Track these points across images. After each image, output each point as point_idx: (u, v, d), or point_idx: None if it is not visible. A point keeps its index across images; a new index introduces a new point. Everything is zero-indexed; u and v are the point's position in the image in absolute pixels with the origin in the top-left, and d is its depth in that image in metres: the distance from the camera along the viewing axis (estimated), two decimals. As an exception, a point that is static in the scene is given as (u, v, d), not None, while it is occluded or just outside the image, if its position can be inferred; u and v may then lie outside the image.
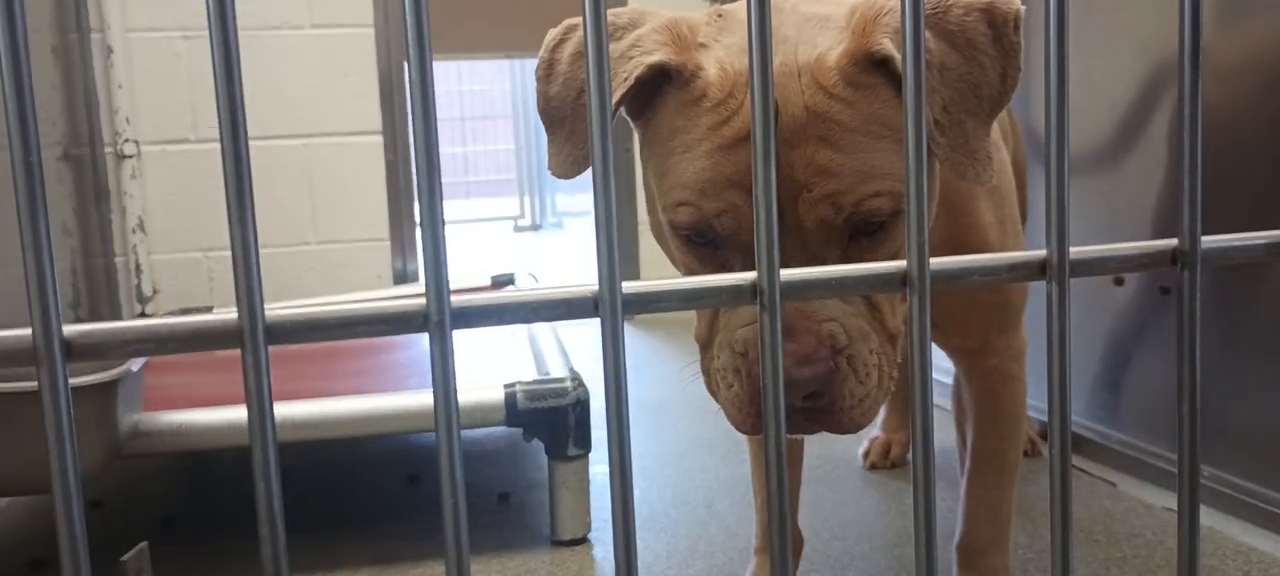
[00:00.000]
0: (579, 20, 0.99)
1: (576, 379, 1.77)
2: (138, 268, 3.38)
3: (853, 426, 0.90)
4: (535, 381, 1.75)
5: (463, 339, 2.27)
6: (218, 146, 3.67)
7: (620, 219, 0.58)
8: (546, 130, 1.00)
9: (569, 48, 1.00)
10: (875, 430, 2.12)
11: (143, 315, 3.38)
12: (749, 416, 0.90)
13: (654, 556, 1.68)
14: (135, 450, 1.62)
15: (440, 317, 0.46)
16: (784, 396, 0.52)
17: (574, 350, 2.18)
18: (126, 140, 3.31)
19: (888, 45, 0.87)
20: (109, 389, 1.48)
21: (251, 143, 3.30)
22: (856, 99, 0.87)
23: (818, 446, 2.18)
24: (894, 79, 0.88)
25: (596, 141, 0.48)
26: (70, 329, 0.43)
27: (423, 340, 2.40)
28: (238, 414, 1.67)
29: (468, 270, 4.13)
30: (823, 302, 0.87)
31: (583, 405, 1.73)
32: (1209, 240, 0.57)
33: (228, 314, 0.45)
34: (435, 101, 0.46)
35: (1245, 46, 1.57)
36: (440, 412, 0.47)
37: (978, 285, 0.55)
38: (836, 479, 2.02)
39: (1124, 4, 1.83)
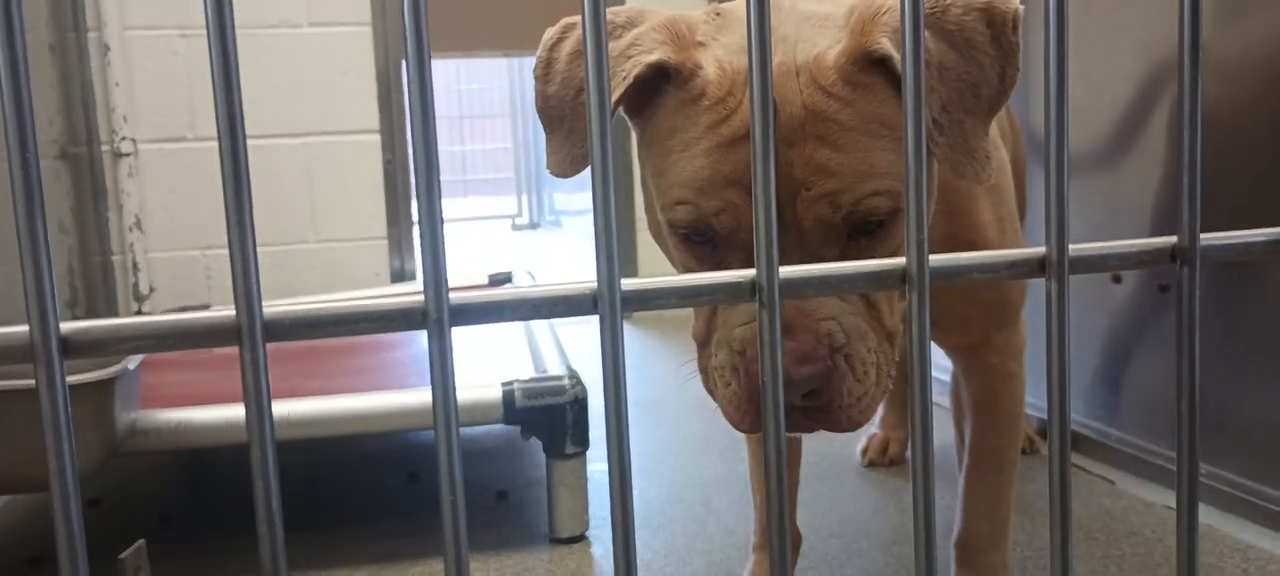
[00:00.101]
0: (577, 19, 0.99)
1: (574, 377, 1.77)
2: (135, 266, 3.37)
3: (851, 424, 0.90)
4: (533, 379, 1.75)
5: (460, 337, 2.27)
6: (215, 145, 3.67)
7: (619, 217, 0.58)
8: (545, 129, 1.00)
9: (567, 46, 0.99)
10: (873, 427, 2.12)
11: (140, 313, 3.38)
12: (747, 415, 0.90)
13: (652, 554, 1.68)
14: (133, 448, 1.62)
15: (439, 315, 0.46)
16: (783, 394, 0.52)
17: (571, 348, 2.18)
18: (124, 138, 3.31)
19: (886, 45, 0.87)
20: (106, 386, 1.47)
21: (249, 141, 3.31)
22: (855, 98, 0.87)
23: (816, 444, 2.18)
24: (893, 78, 0.88)
25: (596, 140, 0.48)
26: (67, 326, 0.43)
27: (420, 338, 2.40)
28: (235, 411, 1.67)
29: (465, 268, 4.13)
30: (821, 301, 0.87)
31: (580, 403, 1.73)
32: (1208, 238, 0.57)
33: (226, 311, 0.45)
34: (434, 100, 0.46)
35: (1244, 44, 1.57)
36: (439, 410, 0.47)
37: (976, 282, 0.55)
38: (835, 476, 2.02)
39: (1124, 2, 1.83)
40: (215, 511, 2.01)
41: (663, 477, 2.06)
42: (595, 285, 0.48)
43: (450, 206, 9.69)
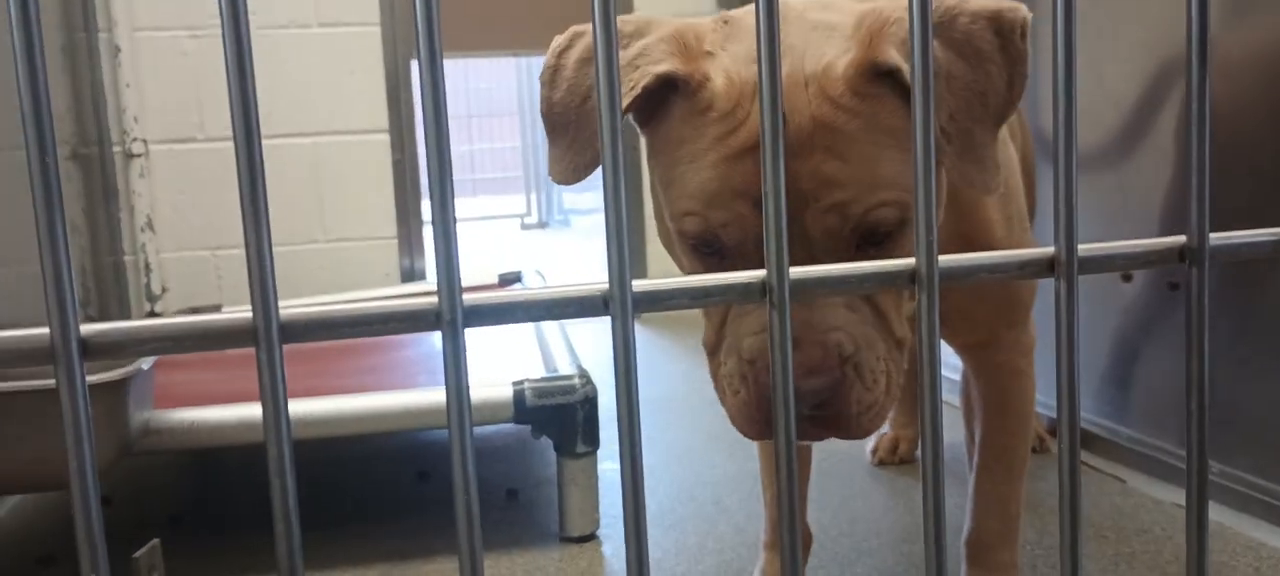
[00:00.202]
0: (586, 27, 0.98)
1: (584, 376, 1.77)
2: (147, 266, 3.39)
3: (861, 432, 0.90)
4: (543, 379, 1.76)
5: (472, 336, 2.27)
6: (225, 145, 3.68)
7: (629, 218, 0.58)
8: (548, 135, 0.99)
9: (574, 53, 0.99)
10: (883, 427, 2.12)
11: (152, 313, 3.39)
12: (756, 423, 0.90)
13: (662, 553, 1.68)
14: (146, 447, 1.63)
15: (453, 316, 0.46)
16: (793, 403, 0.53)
17: (581, 347, 2.18)
18: (135, 139, 3.32)
19: (894, 56, 0.86)
20: (120, 387, 1.48)
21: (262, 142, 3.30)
22: (863, 109, 0.87)
23: (826, 443, 2.18)
24: (901, 89, 0.87)
25: (607, 140, 0.48)
26: (87, 328, 0.43)
27: (431, 338, 2.41)
28: (248, 411, 1.67)
29: (475, 268, 4.14)
30: (829, 311, 0.88)
31: (591, 402, 1.73)
32: (1217, 237, 0.57)
33: (241, 312, 0.45)
34: (445, 99, 0.46)
35: (1252, 43, 1.57)
36: (453, 410, 0.47)
37: (986, 282, 0.55)
38: (845, 475, 2.02)
39: (1131, 1, 1.82)
40: (228, 510, 2.02)
41: (673, 476, 2.07)
42: (607, 286, 0.49)
43: (459, 205, 9.68)
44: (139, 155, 3.33)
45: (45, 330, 0.43)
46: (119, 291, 3.38)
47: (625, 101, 0.91)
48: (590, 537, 1.76)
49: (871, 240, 0.89)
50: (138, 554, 1.42)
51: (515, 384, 1.73)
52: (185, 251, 3.43)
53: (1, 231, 2.36)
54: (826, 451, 2.14)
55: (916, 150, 0.52)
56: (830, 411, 0.88)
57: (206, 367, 2.20)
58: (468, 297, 0.47)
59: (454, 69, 10.29)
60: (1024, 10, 0.91)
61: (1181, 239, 0.56)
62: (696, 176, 0.90)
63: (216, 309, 3.29)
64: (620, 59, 0.91)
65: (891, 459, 2.07)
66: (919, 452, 1.38)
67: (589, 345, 3.09)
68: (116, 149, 3.32)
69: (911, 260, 0.53)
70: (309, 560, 1.72)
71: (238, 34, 0.43)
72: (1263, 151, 1.56)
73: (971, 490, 1.32)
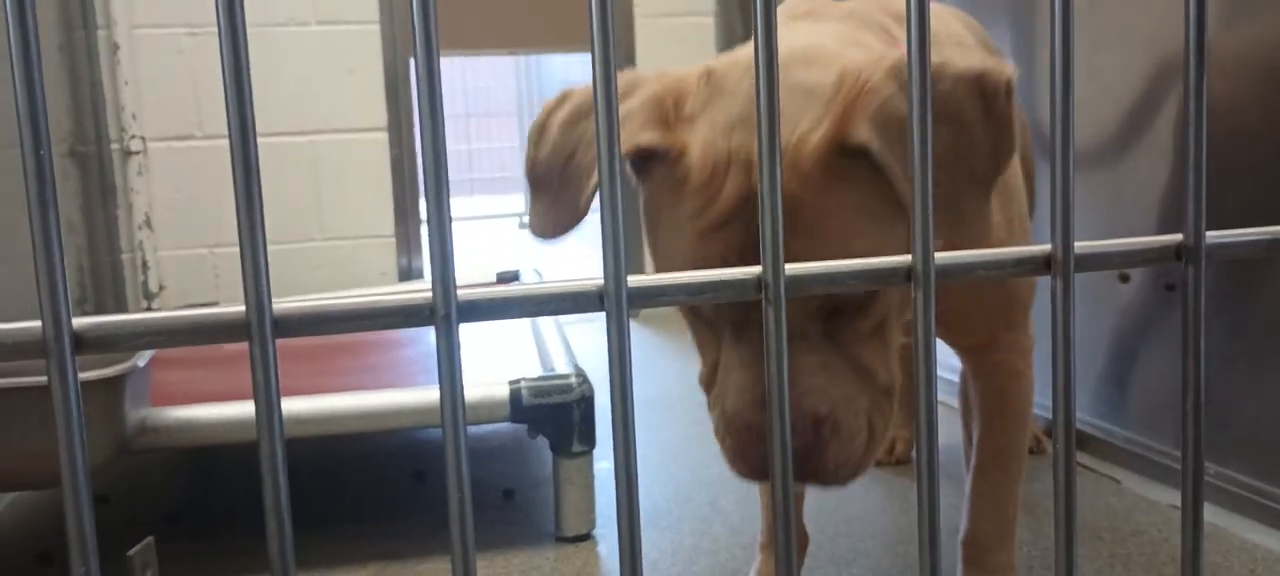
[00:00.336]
0: (577, 88, 0.99)
1: (581, 375, 1.77)
2: (144, 264, 3.38)
3: (843, 483, 0.92)
4: (540, 378, 1.75)
5: (467, 335, 2.27)
6: (223, 143, 3.68)
7: (625, 215, 0.58)
8: (531, 191, 1.00)
9: (561, 114, 0.99)
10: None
11: (149, 311, 3.39)
12: (742, 472, 0.93)
13: (658, 553, 1.68)
14: (142, 445, 1.63)
15: (447, 310, 0.46)
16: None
17: (578, 347, 2.18)
18: (133, 137, 3.32)
19: (865, 134, 0.84)
20: (116, 384, 1.48)
21: (257, 139, 3.30)
22: (833, 186, 0.86)
23: (822, 443, 2.18)
24: (875, 162, 0.86)
25: (603, 143, 0.48)
26: (79, 321, 0.43)
27: (426, 337, 2.41)
28: (244, 409, 1.67)
29: (473, 266, 4.14)
30: (803, 376, 0.88)
31: (587, 401, 1.73)
32: (1214, 235, 0.57)
33: (237, 307, 0.45)
34: (442, 98, 0.46)
35: (1250, 42, 1.57)
36: (446, 404, 0.47)
37: (982, 280, 0.55)
38: (841, 475, 2.02)
39: (1129, 1, 1.82)
40: (223, 509, 2.02)
41: (669, 476, 2.06)
42: (602, 282, 0.49)
43: (457, 204, 9.69)
44: (137, 153, 3.33)
45: (37, 323, 0.42)
46: (116, 289, 3.37)
47: (592, 185, 0.92)
48: (586, 537, 1.76)
49: (841, 312, 0.90)
50: (132, 552, 1.42)
51: (511, 383, 1.73)
52: (183, 249, 3.43)
53: (1, 229, 2.36)
54: (823, 451, 2.14)
55: (912, 149, 0.52)
56: (808, 468, 0.90)
57: (203, 366, 2.20)
58: (463, 292, 0.47)
59: (452, 68, 10.28)
60: (1008, 71, 0.88)
61: (1178, 237, 0.56)
62: (675, 245, 0.91)
63: (214, 306, 3.28)
64: None
65: (887, 459, 2.07)
66: (914, 453, 1.38)
67: (586, 344, 3.08)
68: (114, 146, 3.32)
69: (907, 257, 0.53)
70: (304, 559, 1.72)
71: (234, 32, 0.43)
72: (1263, 151, 1.56)
73: (968, 490, 1.32)
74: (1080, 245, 0.55)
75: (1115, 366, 1.93)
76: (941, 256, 0.53)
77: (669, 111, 0.93)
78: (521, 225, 8.82)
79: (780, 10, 1.23)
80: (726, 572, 1.60)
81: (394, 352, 2.28)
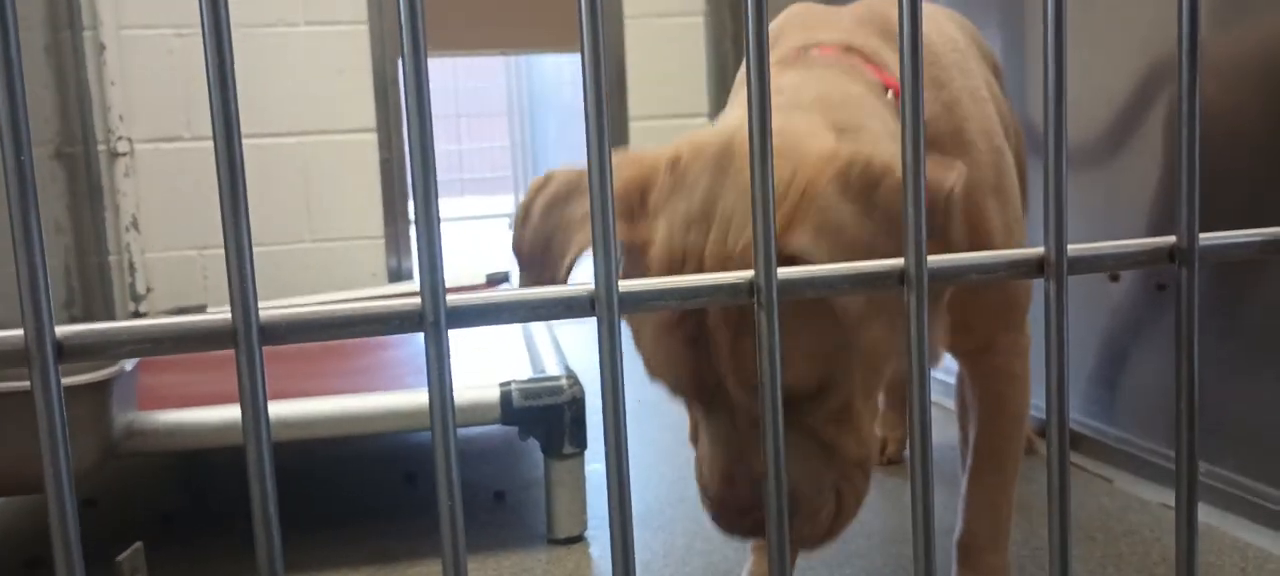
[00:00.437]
0: (556, 172, 1.03)
1: (572, 377, 1.76)
2: (131, 266, 3.37)
3: (812, 549, 0.99)
4: (531, 379, 1.75)
5: (457, 337, 2.26)
6: (211, 144, 3.70)
7: (614, 219, 0.60)
8: (519, 268, 1.04)
9: (542, 199, 1.02)
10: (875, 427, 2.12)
11: (137, 314, 3.37)
12: (723, 531, 0.99)
13: (650, 554, 1.68)
14: (129, 449, 1.62)
15: (436, 318, 0.45)
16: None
17: (568, 348, 2.18)
18: (120, 138, 3.30)
19: (803, 243, 0.85)
20: (103, 388, 1.47)
21: (245, 140, 3.28)
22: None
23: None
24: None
25: (593, 143, 0.47)
26: (62, 330, 0.43)
27: (418, 339, 2.40)
28: (233, 413, 1.66)
29: (463, 267, 4.13)
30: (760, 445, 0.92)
31: (578, 403, 1.73)
32: (1207, 237, 0.57)
33: (222, 314, 0.45)
34: (430, 98, 0.46)
35: (1244, 43, 1.57)
36: (436, 412, 0.46)
37: (977, 284, 0.55)
38: (832, 476, 2.02)
39: (1122, 1, 1.83)
40: (212, 512, 2.01)
41: (661, 477, 2.06)
42: (593, 287, 0.48)
43: (447, 205, 9.67)
44: (124, 154, 3.31)
45: (20, 332, 0.42)
46: (103, 291, 3.36)
47: (567, 259, 0.96)
48: (578, 539, 1.75)
49: (803, 400, 0.92)
50: (121, 557, 1.41)
51: (502, 385, 1.73)
52: (171, 251, 3.41)
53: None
54: (815, 452, 2.14)
55: (905, 148, 0.52)
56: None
57: (191, 369, 2.19)
58: (452, 298, 0.46)
59: (442, 68, 10.27)
60: (951, 179, 0.88)
61: (1171, 239, 0.56)
62: (642, 333, 0.95)
63: (202, 309, 3.27)
64: (574, 213, 0.96)
65: (879, 460, 2.07)
66: (907, 453, 1.37)
67: (577, 346, 3.08)
68: (101, 148, 3.30)
69: (900, 261, 0.52)
70: (294, 562, 1.71)
71: (218, 32, 0.43)
72: (1256, 153, 1.56)
73: (964, 491, 1.32)
74: (1073, 247, 0.54)
75: (1107, 366, 1.94)
76: (934, 260, 0.53)
77: (634, 204, 0.96)
78: (512, 225, 8.81)
79: (773, 29, 1.23)
80: (718, 573, 1.59)
81: (384, 354, 2.28)
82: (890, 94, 1.08)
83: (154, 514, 2.01)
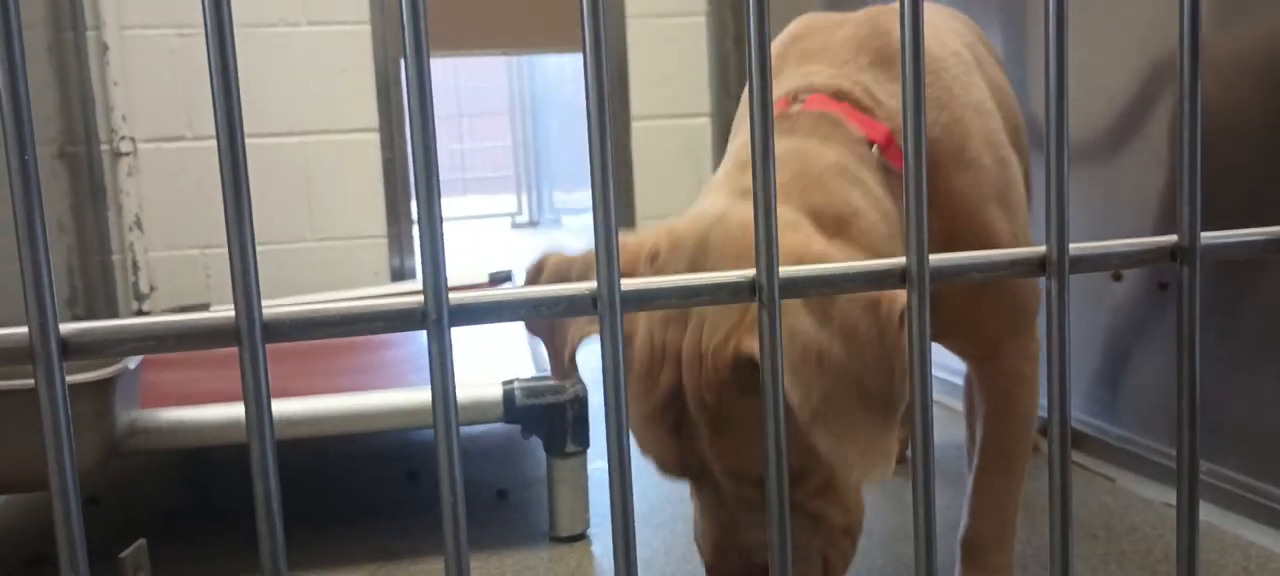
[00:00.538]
0: (548, 255, 1.05)
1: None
2: (135, 265, 3.37)
3: None
4: (533, 378, 1.75)
5: (460, 335, 2.27)
6: (213, 144, 3.69)
7: (618, 216, 0.59)
8: (543, 343, 1.09)
9: (541, 282, 1.05)
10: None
11: (140, 312, 3.38)
12: None
13: (652, 552, 1.68)
14: (133, 447, 1.62)
15: (438, 315, 0.46)
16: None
17: (572, 347, 2.18)
18: (123, 138, 3.30)
19: (753, 348, 0.88)
20: (106, 386, 1.47)
21: (248, 140, 3.30)
22: (744, 391, 0.91)
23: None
24: None
25: (594, 140, 0.47)
26: (67, 327, 0.43)
27: (420, 337, 2.40)
28: (236, 411, 1.67)
29: (465, 267, 4.13)
30: (748, 529, 0.98)
31: (581, 401, 1.73)
32: (1208, 236, 0.57)
33: (225, 312, 0.45)
34: (432, 98, 0.46)
35: (1245, 42, 1.57)
36: (439, 410, 0.47)
37: (978, 282, 0.55)
38: (835, 475, 2.02)
39: (1123, 0, 1.83)
40: (215, 510, 2.01)
41: (663, 476, 2.06)
42: (595, 285, 0.48)
43: (449, 204, 9.67)
44: (127, 154, 3.31)
45: (24, 329, 0.42)
46: (107, 290, 3.36)
47: (566, 353, 1.00)
48: (580, 537, 1.76)
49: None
50: (124, 554, 1.41)
51: (505, 383, 1.73)
52: (173, 250, 3.41)
53: (-12, 230, 2.35)
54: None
55: (907, 149, 0.52)
56: None
57: (194, 367, 2.19)
58: (454, 296, 0.46)
59: (444, 68, 10.27)
60: (902, 301, 0.88)
61: (1173, 238, 0.56)
62: (632, 414, 0.98)
63: (205, 308, 3.27)
64: None
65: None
66: (909, 453, 1.38)
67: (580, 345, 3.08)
68: (104, 147, 3.30)
69: (902, 260, 0.52)
70: (298, 559, 1.71)
71: (221, 32, 0.43)
72: (1257, 151, 1.56)
73: (970, 490, 1.32)
74: (1075, 246, 0.54)
75: (1109, 365, 1.94)
76: (936, 258, 0.53)
77: None
78: (515, 225, 8.82)
79: (775, 49, 1.23)
80: (720, 572, 1.59)
81: (387, 352, 2.28)
82: (875, 149, 1.08)
83: (157, 511, 2.01)
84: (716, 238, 0.95)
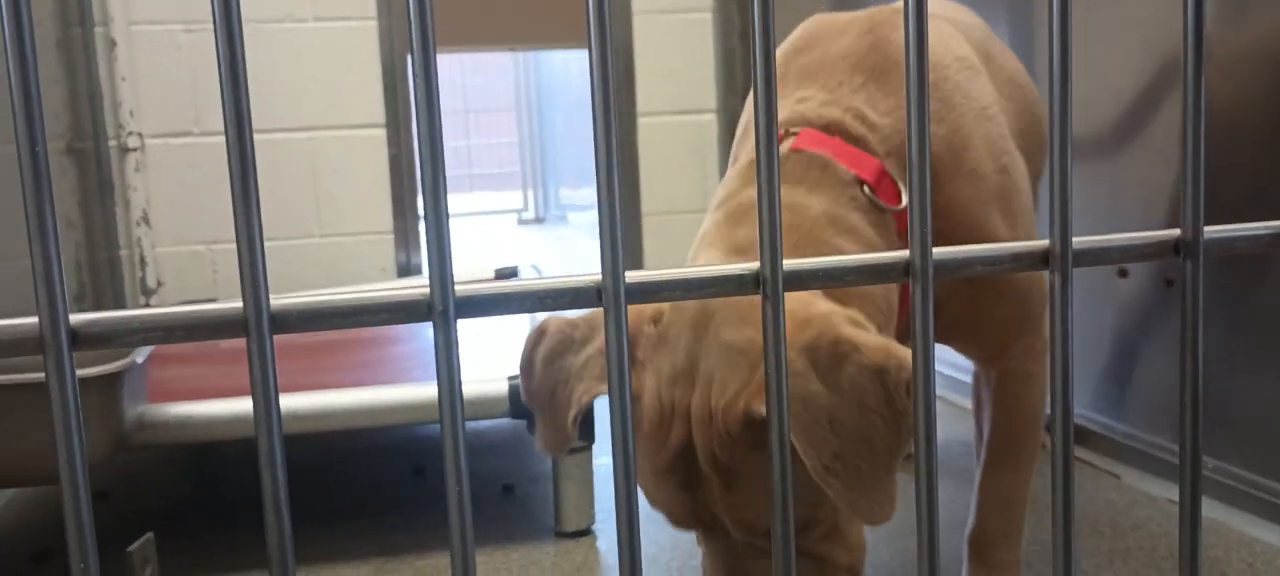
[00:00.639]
0: (549, 321, 1.07)
1: (580, 371, 1.76)
2: (142, 261, 3.38)
3: None
4: (539, 373, 1.75)
5: (466, 331, 2.27)
6: (221, 139, 3.69)
7: (623, 211, 0.59)
8: (536, 414, 1.09)
9: (541, 351, 1.06)
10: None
11: (147, 307, 3.38)
12: None
13: (657, 548, 1.68)
14: (140, 441, 1.63)
15: (444, 306, 0.46)
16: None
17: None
18: (130, 133, 3.31)
19: (762, 408, 0.90)
20: (114, 380, 1.48)
21: (255, 135, 3.28)
22: (753, 450, 0.93)
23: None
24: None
25: (600, 136, 0.48)
26: (76, 317, 0.43)
27: (425, 332, 2.41)
28: (243, 405, 1.67)
29: (471, 262, 4.13)
30: (760, 572, 1.01)
31: (586, 397, 1.73)
32: (1212, 230, 0.57)
33: (234, 303, 0.45)
34: (439, 94, 0.46)
35: (1250, 38, 1.57)
36: (444, 401, 0.47)
37: (982, 276, 0.55)
38: (840, 471, 2.02)
39: (1128, -5, 1.82)
40: (222, 505, 2.02)
41: (668, 471, 2.06)
42: (600, 278, 0.49)
43: (456, 201, 9.68)
44: (135, 149, 3.32)
45: (34, 319, 0.42)
46: (114, 286, 3.37)
47: (570, 415, 1.01)
48: (586, 532, 1.76)
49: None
50: (132, 548, 1.42)
51: (511, 378, 1.73)
52: (181, 246, 3.42)
53: (-4, 225, 2.36)
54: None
55: (910, 150, 0.52)
56: None
57: (201, 362, 2.19)
58: (460, 288, 0.47)
59: (451, 64, 10.27)
60: (908, 367, 0.92)
61: (1176, 232, 0.56)
62: (642, 470, 1.00)
63: (212, 303, 3.28)
64: (573, 363, 1.02)
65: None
66: (913, 449, 1.38)
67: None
68: (112, 143, 3.31)
69: (905, 253, 0.53)
70: (304, 554, 1.72)
71: (230, 28, 0.43)
72: (1262, 146, 1.56)
73: (977, 487, 1.32)
74: (1078, 240, 0.55)
75: (1115, 362, 1.93)
76: (939, 251, 0.53)
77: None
78: (521, 221, 8.82)
79: (778, 57, 1.23)
80: (725, 568, 1.60)
81: (393, 348, 2.28)
82: (866, 188, 1.08)
83: (164, 505, 2.02)
84: (717, 300, 0.97)
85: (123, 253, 3.38)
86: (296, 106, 3.43)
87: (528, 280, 0.49)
